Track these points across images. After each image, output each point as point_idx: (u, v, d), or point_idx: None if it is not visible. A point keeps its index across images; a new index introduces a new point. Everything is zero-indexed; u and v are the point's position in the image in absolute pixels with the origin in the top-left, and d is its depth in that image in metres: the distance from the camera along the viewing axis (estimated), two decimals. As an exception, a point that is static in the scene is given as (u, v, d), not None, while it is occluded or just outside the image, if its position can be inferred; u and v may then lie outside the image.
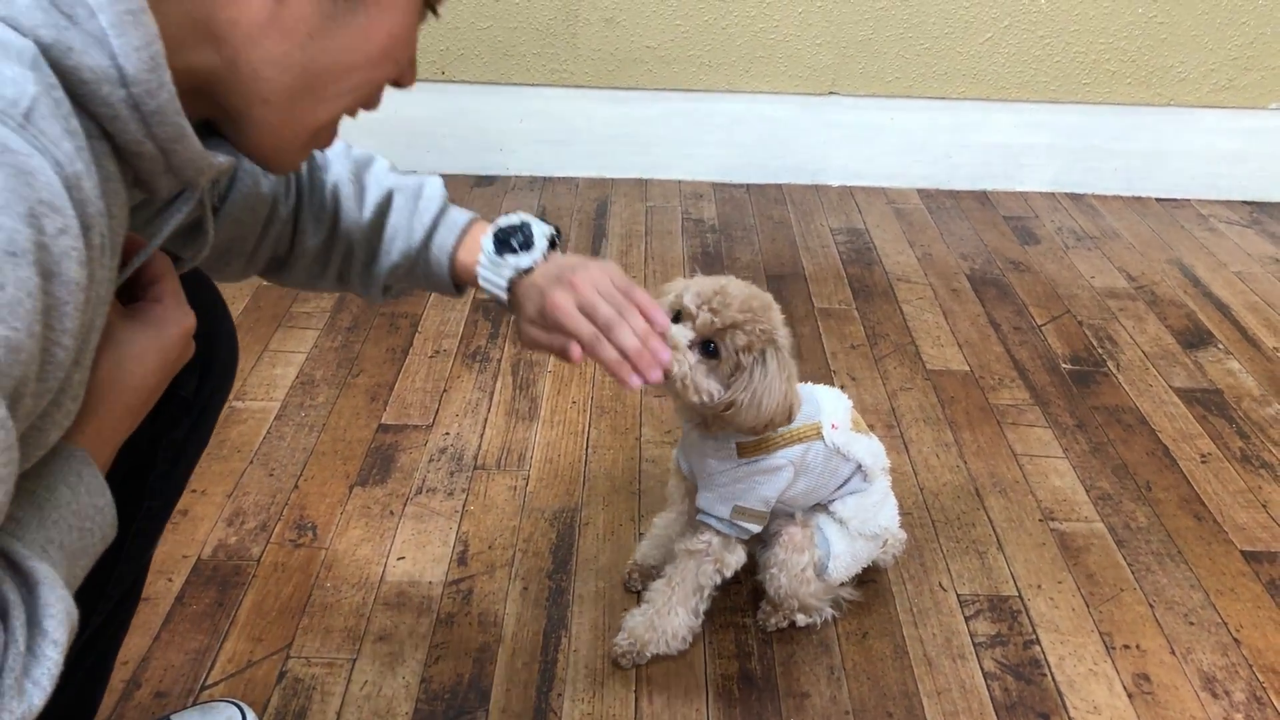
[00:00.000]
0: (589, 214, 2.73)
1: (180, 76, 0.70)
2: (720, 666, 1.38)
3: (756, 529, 1.33)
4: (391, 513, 1.63)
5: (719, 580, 1.35)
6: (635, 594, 1.48)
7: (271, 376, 1.96)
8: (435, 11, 0.82)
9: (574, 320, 1.04)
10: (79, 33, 0.64)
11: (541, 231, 1.07)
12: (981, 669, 1.40)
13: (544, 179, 2.93)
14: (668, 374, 1.15)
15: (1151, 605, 1.52)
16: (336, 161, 1.13)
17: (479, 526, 1.61)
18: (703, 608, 1.36)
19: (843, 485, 1.39)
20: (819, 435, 1.31)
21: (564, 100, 2.89)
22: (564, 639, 1.42)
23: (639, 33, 2.80)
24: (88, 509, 0.75)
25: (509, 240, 1.07)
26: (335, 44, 0.77)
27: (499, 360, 2.05)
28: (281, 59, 0.75)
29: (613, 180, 2.95)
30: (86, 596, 0.93)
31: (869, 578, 1.53)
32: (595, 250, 2.53)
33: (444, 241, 1.13)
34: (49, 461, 0.73)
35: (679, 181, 2.96)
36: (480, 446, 1.79)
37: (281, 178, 1.11)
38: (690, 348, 1.18)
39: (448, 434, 1.82)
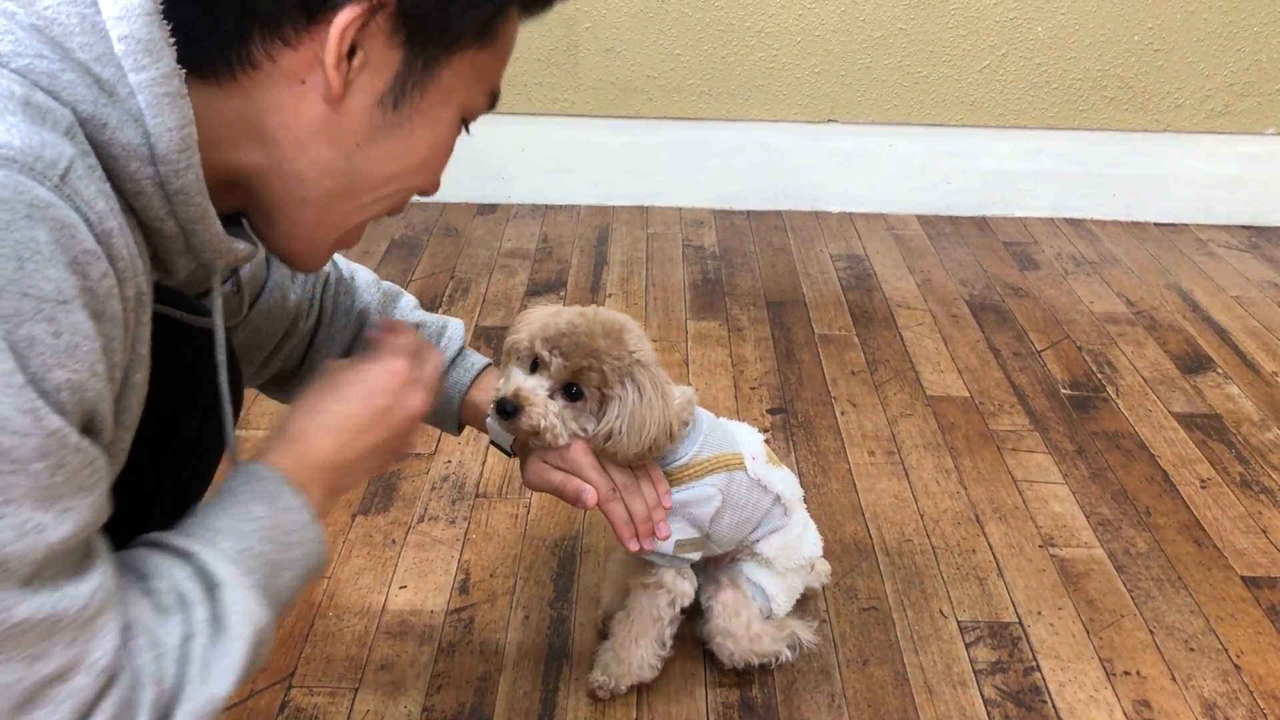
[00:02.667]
0: (590, 241, 2.75)
1: (220, 169, 0.74)
2: (721, 695, 1.39)
3: (696, 557, 1.31)
4: (394, 541, 1.64)
5: (675, 611, 1.33)
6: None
7: (274, 406, 1.96)
8: (468, 129, 0.87)
9: (594, 473, 1.17)
10: (116, 109, 0.66)
11: None
12: (982, 696, 1.40)
13: (545, 206, 2.95)
14: (537, 429, 1.15)
15: (1152, 631, 1.52)
16: (366, 290, 1.20)
17: (481, 555, 1.62)
18: (668, 634, 1.34)
19: (763, 520, 1.36)
20: (742, 464, 1.29)
21: (565, 129, 2.91)
22: (565, 667, 1.42)
23: (639, 62, 2.83)
24: (287, 523, 0.81)
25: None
26: (379, 153, 0.80)
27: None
28: (327, 164, 0.78)
29: (613, 208, 2.97)
30: None
31: (869, 605, 1.54)
32: (596, 278, 2.54)
33: (459, 380, 1.22)
34: (247, 481, 0.82)
35: (679, 209, 2.98)
36: (482, 475, 1.80)
37: (307, 297, 1.14)
38: (552, 396, 1.17)
39: (449, 462, 1.83)
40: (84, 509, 0.64)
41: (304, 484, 0.84)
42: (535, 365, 1.19)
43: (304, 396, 0.93)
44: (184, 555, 0.75)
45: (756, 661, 1.39)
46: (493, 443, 1.27)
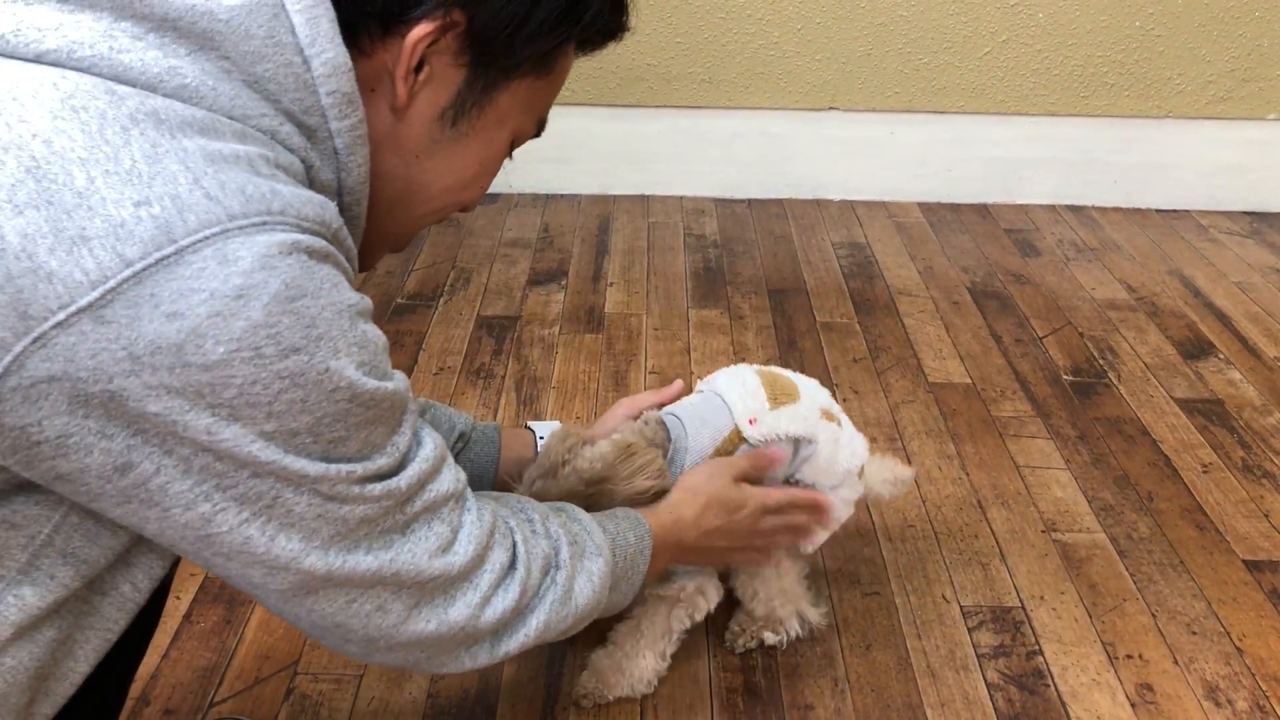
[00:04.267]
0: (591, 231, 2.75)
1: None
2: (725, 679, 1.39)
3: (706, 574, 1.31)
4: (397, 529, 1.64)
5: (689, 624, 1.33)
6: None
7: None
8: (512, 155, 0.94)
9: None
10: (318, 151, 0.77)
11: None
12: (985, 680, 1.41)
13: (546, 196, 2.95)
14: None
15: (1154, 615, 1.53)
16: (439, 409, 1.30)
17: (484, 542, 1.62)
18: (670, 650, 1.33)
19: (807, 459, 1.33)
20: (740, 440, 1.26)
21: (565, 118, 2.88)
22: (569, 653, 1.42)
23: (639, 51, 2.83)
24: (636, 560, 1.07)
25: None
26: (436, 165, 0.86)
27: (503, 377, 2.06)
28: (389, 172, 0.84)
29: (614, 197, 2.97)
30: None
31: (872, 590, 1.55)
32: (598, 267, 2.54)
33: (487, 454, 1.34)
34: (630, 518, 1.10)
35: (680, 197, 2.98)
36: (485, 463, 1.80)
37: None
38: None
39: (452, 450, 1.83)
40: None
41: (658, 550, 1.11)
42: None
43: (695, 478, 1.20)
44: (574, 516, 1.02)
45: (773, 615, 1.39)
46: None
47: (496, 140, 0.90)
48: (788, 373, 1.39)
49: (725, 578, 1.42)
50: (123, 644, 1.02)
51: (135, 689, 1.35)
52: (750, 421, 1.27)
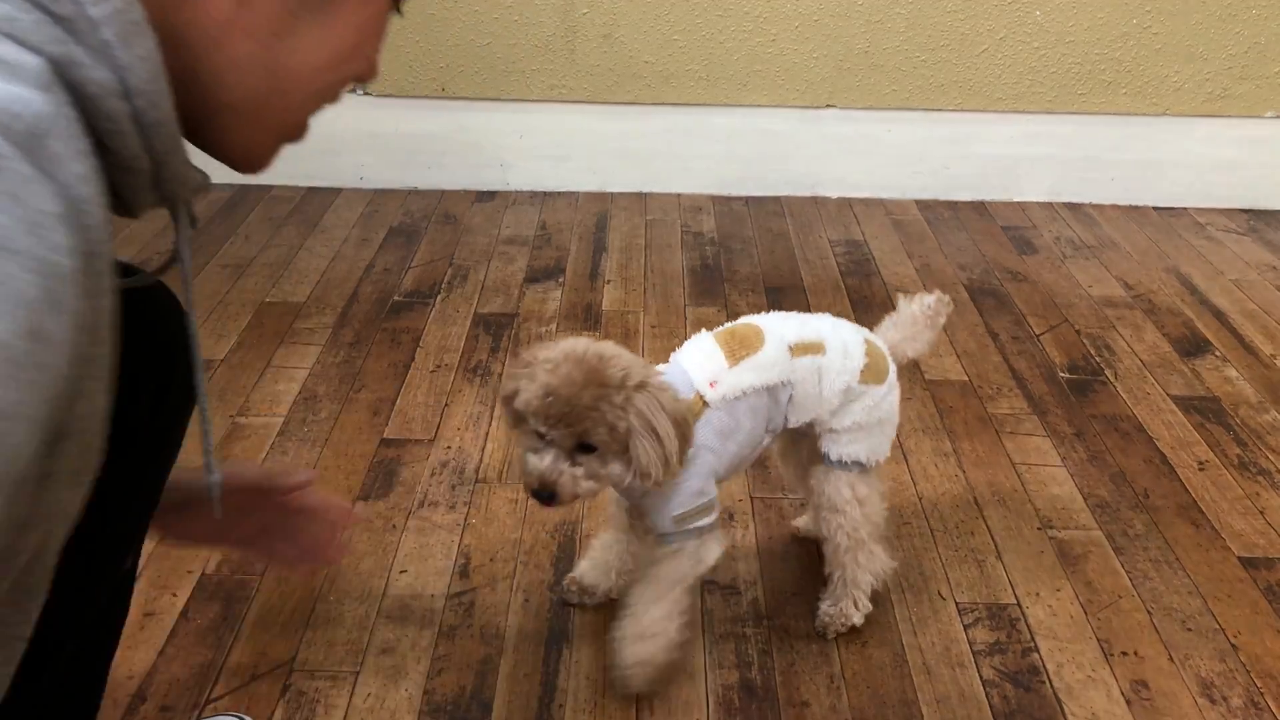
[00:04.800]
0: (589, 228, 2.75)
1: None
2: (721, 676, 1.39)
3: (710, 519, 1.31)
4: (394, 526, 1.65)
5: (697, 573, 1.33)
6: (574, 606, 1.50)
7: (274, 392, 1.97)
8: (400, 9, 0.80)
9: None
10: (83, 47, 0.62)
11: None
12: (980, 676, 1.41)
13: (544, 193, 2.95)
14: (577, 496, 1.18)
15: (1149, 612, 1.53)
16: None
17: (481, 540, 1.63)
18: (686, 602, 1.33)
19: (798, 399, 1.33)
20: (705, 404, 1.26)
21: (563, 115, 2.91)
22: (565, 650, 1.43)
23: (637, 48, 2.82)
24: None
25: None
26: (301, 43, 0.73)
27: (500, 374, 2.06)
28: (245, 60, 0.72)
29: (612, 194, 2.97)
30: (62, 615, 0.94)
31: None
32: (595, 265, 2.54)
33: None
34: None
35: (678, 195, 2.98)
36: (482, 460, 1.81)
37: None
38: (572, 461, 1.17)
39: (449, 448, 1.83)
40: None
41: None
42: (542, 436, 1.18)
43: None
44: None
45: (866, 538, 1.41)
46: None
47: None
48: (760, 318, 1.38)
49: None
50: (93, 632, 1.02)
51: (131, 686, 1.35)
52: (711, 385, 1.27)
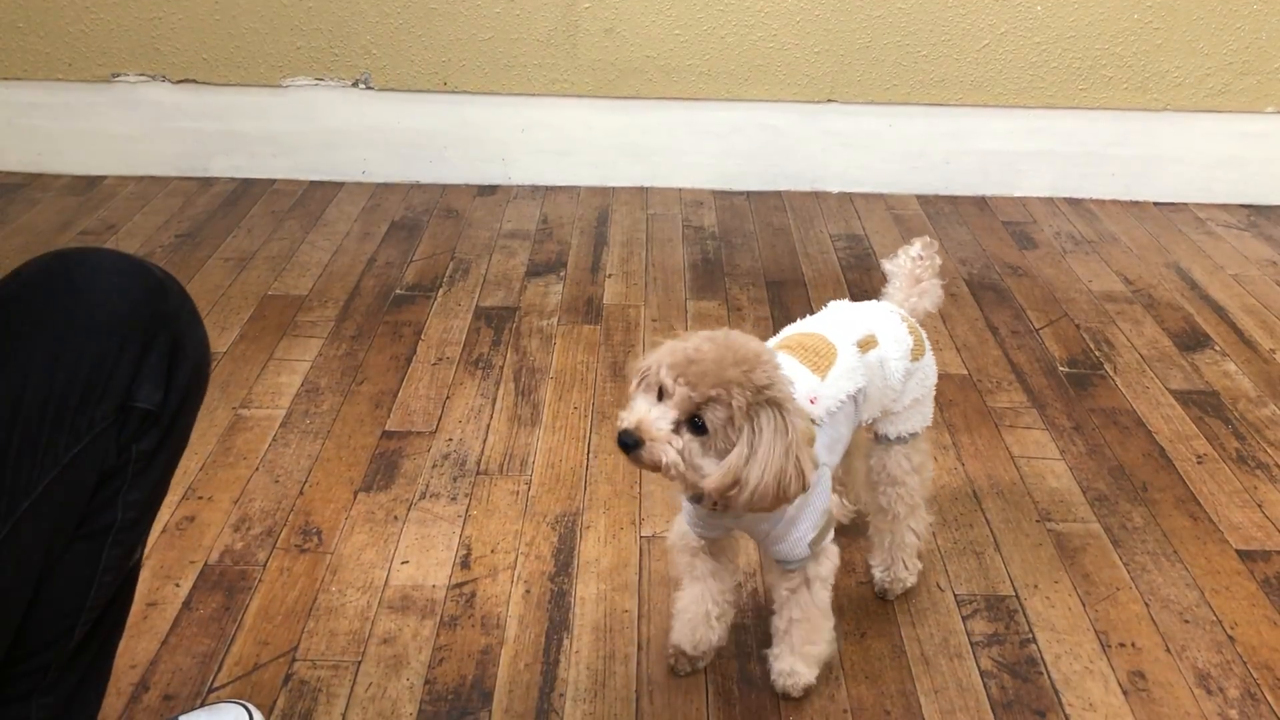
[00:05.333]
0: (590, 222, 2.76)
1: None
2: (720, 666, 1.40)
3: (831, 535, 1.30)
4: (395, 518, 1.65)
5: (831, 590, 1.32)
6: (682, 676, 1.39)
7: (277, 385, 1.98)
8: None
9: None
10: None
11: None
12: (979, 667, 1.42)
13: (545, 188, 2.96)
14: (659, 465, 1.11)
15: (1147, 604, 1.54)
16: None
17: (482, 531, 1.63)
18: (831, 619, 1.34)
19: (864, 398, 1.33)
20: (815, 424, 1.24)
21: (565, 110, 2.91)
22: (566, 640, 1.43)
23: (638, 42, 2.83)
24: None
25: None
26: None
27: (501, 367, 2.07)
28: None
29: (613, 189, 2.97)
30: (68, 607, 0.95)
31: (866, 579, 1.55)
32: (596, 259, 2.55)
33: None
34: None
35: (679, 189, 2.98)
36: (483, 452, 1.81)
37: None
38: (677, 429, 1.11)
39: (451, 440, 1.84)
40: None
41: None
42: (661, 393, 1.12)
43: None
44: None
45: (920, 501, 1.45)
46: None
47: None
48: (811, 325, 1.37)
49: (864, 527, 1.50)
50: (101, 623, 1.03)
51: (134, 675, 1.36)
52: (812, 401, 1.24)
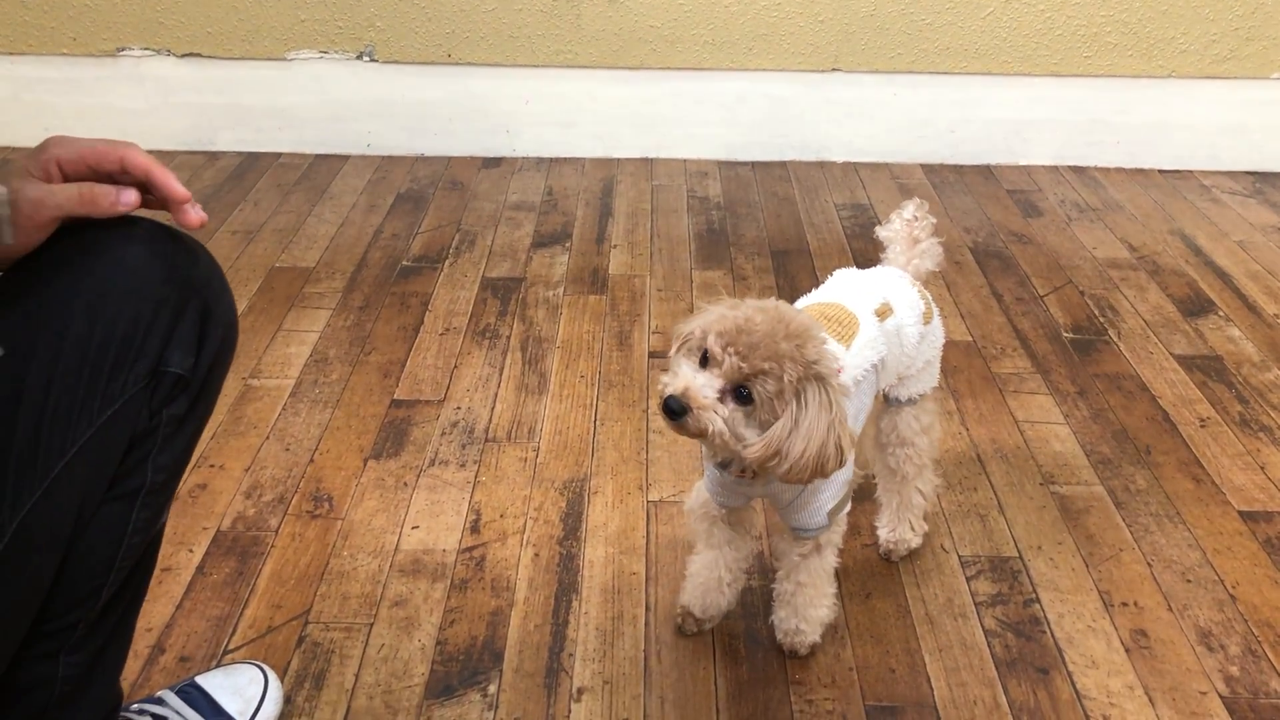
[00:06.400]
0: (595, 193, 2.76)
1: None
2: (727, 626, 1.42)
3: (849, 504, 1.32)
4: (405, 484, 1.67)
5: (839, 556, 1.35)
6: (690, 636, 1.41)
7: (286, 355, 2.00)
8: None
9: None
10: None
11: None
12: (982, 626, 1.43)
13: (550, 159, 2.96)
14: (705, 432, 1.10)
15: (1150, 565, 1.55)
16: None
17: (490, 496, 1.65)
18: (835, 584, 1.37)
19: (883, 367, 1.34)
20: (845, 395, 1.22)
21: (569, 81, 2.91)
22: (575, 602, 1.45)
23: (642, 13, 2.83)
24: None
25: None
26: None
27: (508, 337, 2.08)
28: None
29: (618, 160, 2.98)
30: (97, 567, 0.97)
31: (871, 541, 1.57)
32: (601, 230, 2.56)
33: None
34: None
35: (684, 160, 2.99)
36: (491, 420, 1.83)
37: None
38: (722, 398, 1.10)
39: (459, 408, 1.86)
40: None
41: None
42: (705, 361, 1.11)
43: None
44: None
45: (929, 462, 1.48)
46: None
47: None
48: (828, 294, 1.37)
49: (871, 490, 1.52)
50: (126, 586, 1.05)
51: (150, 638, 1.38)
52: (839, 371, 1.22)
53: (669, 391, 1.10)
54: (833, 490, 1.27)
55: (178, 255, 0.94)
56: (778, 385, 1.08)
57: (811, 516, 1.28)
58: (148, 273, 0.92)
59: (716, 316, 1.11)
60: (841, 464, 1.13)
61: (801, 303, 1.38)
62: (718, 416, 1.09)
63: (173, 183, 0.93)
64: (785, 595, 1.36)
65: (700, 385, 1.10)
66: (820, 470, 1.11)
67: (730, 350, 1.08)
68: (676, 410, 1.09)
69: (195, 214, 0.94)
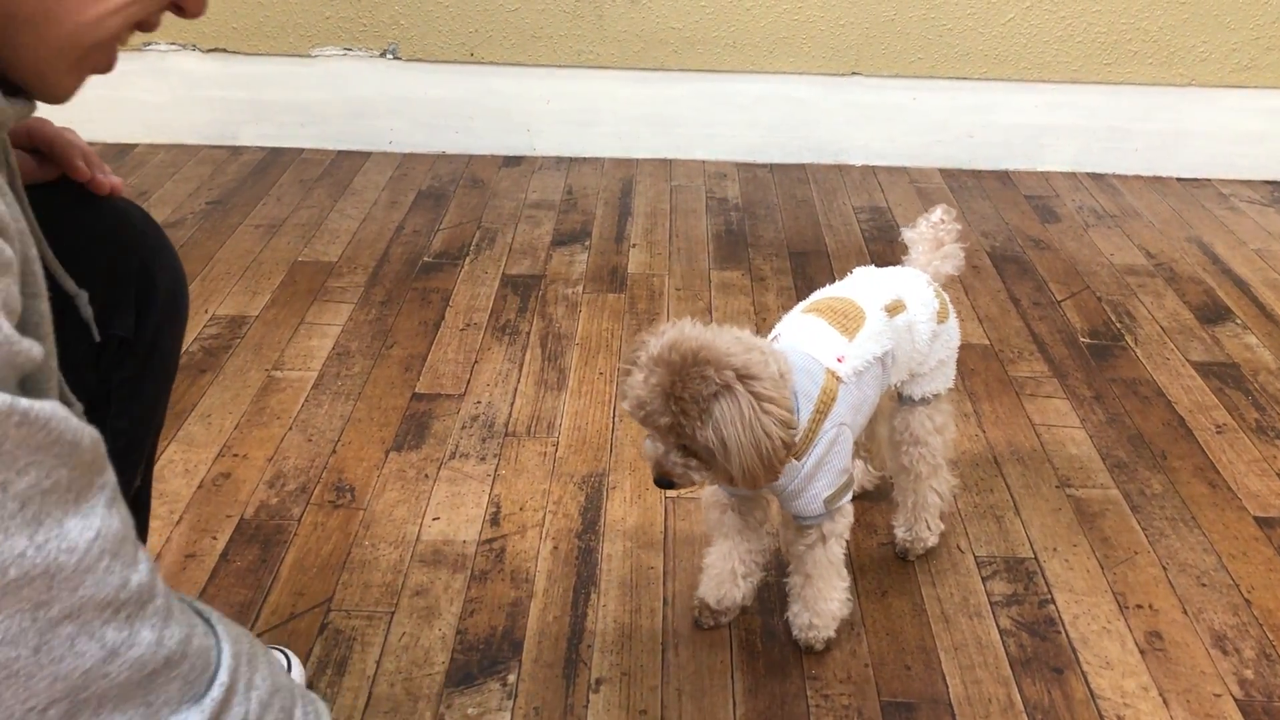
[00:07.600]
0: (614, 194, 2.78)
1: None
2: (744, 620, 1.43)
3: (850, 494, 1.33)
4: (426, 476, 1.69)
5: (845, 545, 1.36)
6: (707, 630, 1.43)
7: (308, 348, 2.02)
8: None
9: None
10: None
11: None
12: (997, 626, 1.45)
13: (570, 159, 2.98)
14: (696, 483, 1.22)
15: (1165, 568, 1.56)
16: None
17: (510, 490, 1.67)
18: (845, 577, 1.38)
19: (892, 361, 1.36)
20: (837, 386, 1.26)
21: (590, 81, 2.93)
22: (593, 595, 1.47)
23: (664, 14, 2.84)
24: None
25: None
26: None
27: (528, 333, 2.10)
28: None
29: (638, 160, 3.00)
30: None
31: (888, 540, 1.58)
32: (620, 229, 2.57)
33: None
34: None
35: (703, 161, 3.00)
36: (511, 415, 1.85)
37: None
38: (678, 453, 1.17)
39: (479, 403, 1.88)
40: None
41: None
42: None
43: None
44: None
45: (943, 462, 1.49)
46: None
47: None
48: (840, 289, 1.39)
49: (888, 490, 1.53)
50: None
51: (176, 622, 1.39)
52: (839, 361, 1.28)
53: (653, 474, 1.22)
54: (827, 479, 1.29)
55: (108, 218, 0.95)
56: (692, 424, 1.13)
57: (808, 504, 1.30)
58: (82, 244, 0.92)
59: (628, 389, 1.17)
60: (788, 445, 1.16)
61: (815, 296, 1.41)
62: (690, 472, 1.19)
63: (75, 161, 0.97)
64: (796, 589, 1.38)
65: (660, 459, 1.19)
66: (772, 465, 1.15)
67: (647, 422, 1.16)
68: (666, 484, 1.21)
69: (105, 179, 0.97)
